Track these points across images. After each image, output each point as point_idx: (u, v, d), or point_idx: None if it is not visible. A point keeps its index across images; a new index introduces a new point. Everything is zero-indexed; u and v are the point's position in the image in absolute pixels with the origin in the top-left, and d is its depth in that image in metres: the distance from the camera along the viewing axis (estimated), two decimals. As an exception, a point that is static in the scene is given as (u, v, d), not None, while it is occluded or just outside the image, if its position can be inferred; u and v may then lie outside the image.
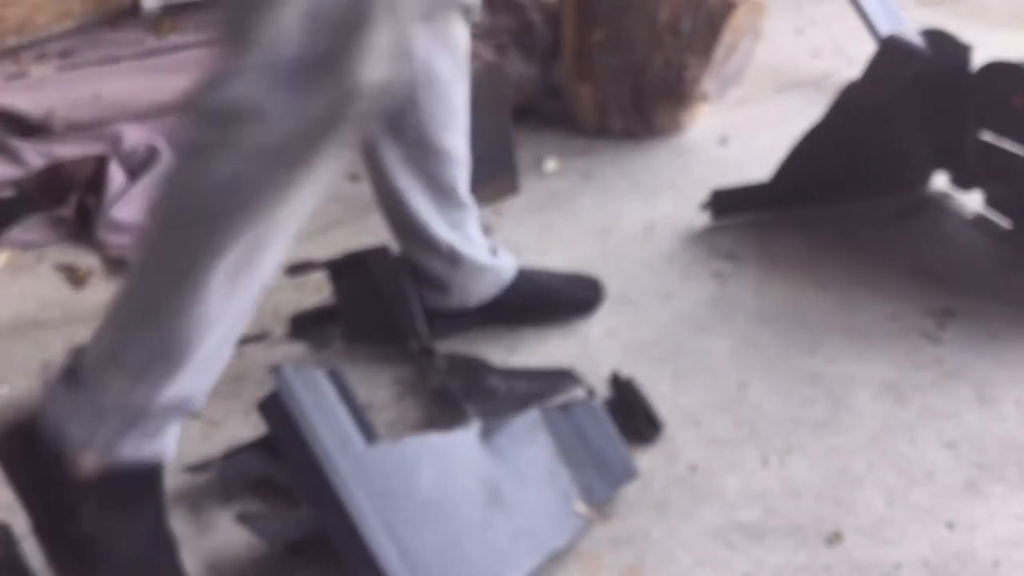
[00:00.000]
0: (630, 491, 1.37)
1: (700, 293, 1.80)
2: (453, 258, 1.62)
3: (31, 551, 1.27)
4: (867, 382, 1.57)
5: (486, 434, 1.30)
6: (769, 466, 1.43)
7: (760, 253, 1.90)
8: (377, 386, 1.58)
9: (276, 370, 1.18)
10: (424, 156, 1.54)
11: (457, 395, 1.47)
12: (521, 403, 1.37)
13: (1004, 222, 1.79)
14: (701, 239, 1.95)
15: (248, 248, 1.07)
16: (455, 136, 1.56)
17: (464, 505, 1.23)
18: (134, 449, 1.16)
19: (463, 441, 1.29)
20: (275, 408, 1.16)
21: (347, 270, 1.63)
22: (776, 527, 1.33)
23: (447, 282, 1.64)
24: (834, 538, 1.31)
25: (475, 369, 1.55)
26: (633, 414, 1.46)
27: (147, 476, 1.20)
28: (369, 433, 1.28)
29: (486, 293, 1.67)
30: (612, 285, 1.79)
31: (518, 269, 1.70)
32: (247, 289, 1.11)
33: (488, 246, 1.68)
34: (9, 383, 1.63)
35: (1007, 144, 1.67)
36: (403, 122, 1.51)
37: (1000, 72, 1.60)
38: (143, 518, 1.20)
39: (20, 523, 1.34)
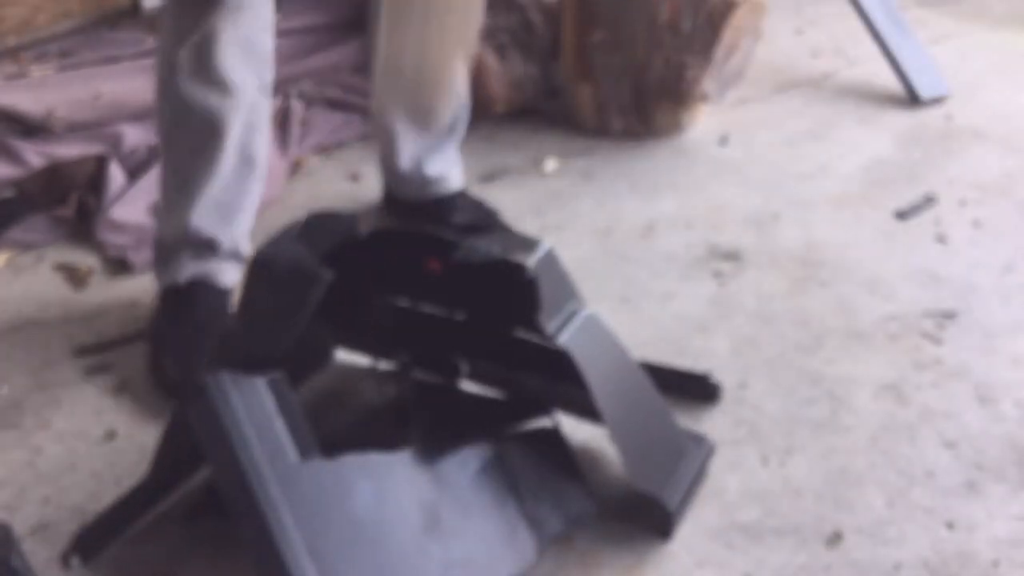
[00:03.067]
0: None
1: (700, 293, 1.80)
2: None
3: (31, 551, 1.28)
4: (867, 382, 1.57)
5: (432, 458, 1.25)
6: (769, 466, 1.43)
7: (760, 253, 1.90)
8: (377, 386, 1.57)
9: (212, 376, 1.13)
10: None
11: (411, 419, 1.40)
12: (484, 431, 1.32)
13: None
14: (701, 239, 1.95)
15: None
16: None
17: (399, 529, 1.18)
18: None
19: (404, 463, 1.23)
20: (204, 413, 1.11)
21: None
22: (776, 527, 1.33)
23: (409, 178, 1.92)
24: (834, 538, 1.31)
25: (443, 396, 1.48)
26: None
27: None
28: (306, 447, 1.19)
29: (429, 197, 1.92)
30: (612, 285, 1.79)
31: (467, 195, 1.94)
32: None
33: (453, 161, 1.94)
34: (9, 383, 1.63)
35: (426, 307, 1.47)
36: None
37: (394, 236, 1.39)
38: None
39: (20, 523, 1.34)
